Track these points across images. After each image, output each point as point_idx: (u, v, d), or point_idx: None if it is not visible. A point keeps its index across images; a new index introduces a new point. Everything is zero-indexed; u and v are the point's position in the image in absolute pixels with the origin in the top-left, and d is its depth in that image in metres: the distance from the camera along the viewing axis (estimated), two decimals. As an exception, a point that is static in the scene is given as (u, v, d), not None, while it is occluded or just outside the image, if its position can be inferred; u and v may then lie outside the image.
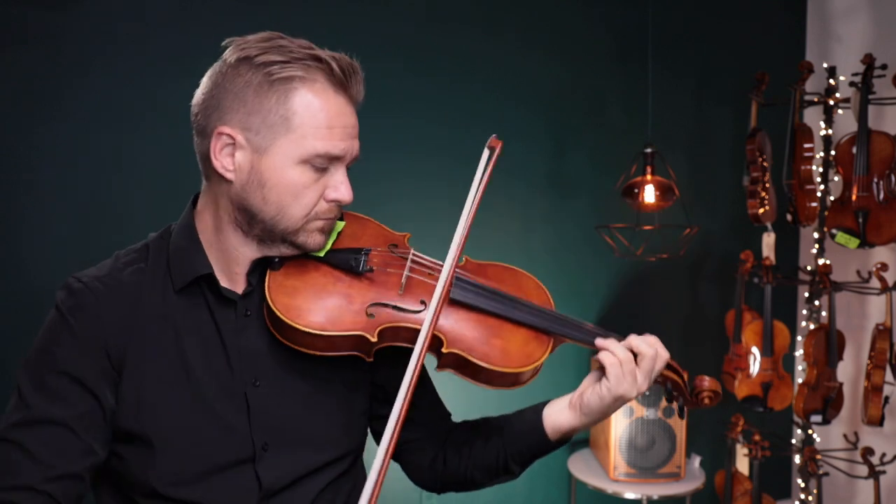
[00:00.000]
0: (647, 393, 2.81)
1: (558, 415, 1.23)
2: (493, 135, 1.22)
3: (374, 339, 1.12)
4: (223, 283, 1.16)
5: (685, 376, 1.27)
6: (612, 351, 1.19)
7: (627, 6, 3.12)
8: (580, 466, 2.94)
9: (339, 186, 1.12)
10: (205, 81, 1.13)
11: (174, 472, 1.10)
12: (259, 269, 1.16)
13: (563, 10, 3.05)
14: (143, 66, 2.41)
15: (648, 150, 2.75)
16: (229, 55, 1.10)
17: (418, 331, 1.11)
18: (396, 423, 1.01)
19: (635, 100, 3.07)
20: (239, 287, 1.16)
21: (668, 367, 1.24)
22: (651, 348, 1.19)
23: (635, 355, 1.19)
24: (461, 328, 1.17)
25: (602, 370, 1.20)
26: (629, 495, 2.78)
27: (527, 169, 3.00)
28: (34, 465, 1.02)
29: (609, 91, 3.15)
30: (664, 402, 2.82)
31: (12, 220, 2.29)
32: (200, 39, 2.52)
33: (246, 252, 1.15)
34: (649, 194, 2.72)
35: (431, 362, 1.20)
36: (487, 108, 2.89)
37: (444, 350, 1.14)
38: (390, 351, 1.17)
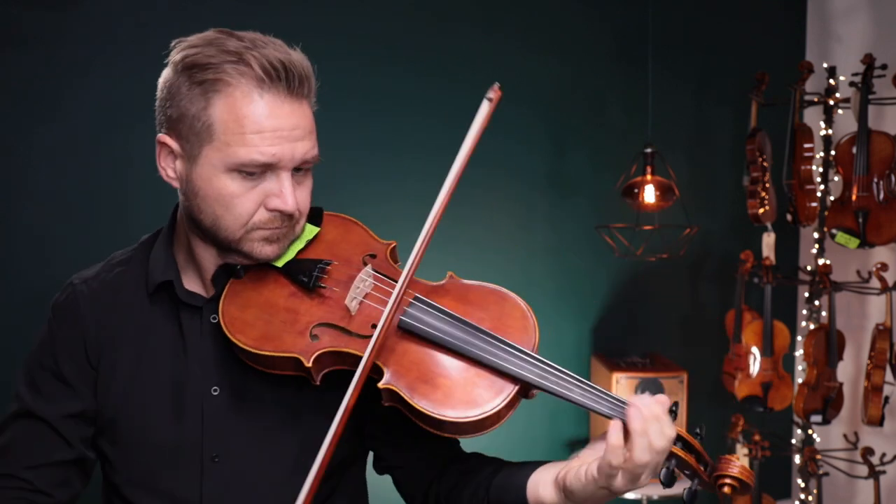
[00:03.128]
0: (648, 393, 2.80)
1: (542, 488, 1.04)
2: (496, 84, 1.11)
3: (307, 365, 1.00)
4: (193, 288, 1.14)
5: (700, 451, 1.03)
6: (633, 430, 0.95)
7: (627, 6, 3.11)
8: (580, 466, 2.93)
9: (280, 194, 1.02)
10: (158, 83, 1.10)
11: (128, 473, 1.13)
12: (225, 276, 1.12)
13: (563, 10, 3.04)
14: (143, 66, 2.40)
15: (648, 150, 2.75)
16: (171, 57, 1.08)
17: (360, 359, 0.98)
18: (322, 460, 0.94)
19: (635, 100, 3.07)
20: (209, 292, 1.14)
21: (677, 440, 1.00)
22: (656, 422, 0.95)
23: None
24: (407, 361, 1.01)
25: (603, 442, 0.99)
26: (629, 495, 2.77)
27: (527, 169, 3.00)
28: (17, 454, 1.09)
29: (609, 91, 3.15)
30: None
31: (12, 219, 2.29)
32: (200, 39, 2.53)
33: (209, 257, 1.12)
34: (649, 194, 2.72)
35: None
36: (487, 108, 2.88)
37: (380, 386, 1.00)
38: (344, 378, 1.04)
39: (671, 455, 0.99)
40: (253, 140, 0.99)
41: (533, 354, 1.02)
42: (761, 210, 2.88)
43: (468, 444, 1.19)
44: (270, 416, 1.12)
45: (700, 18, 3.28)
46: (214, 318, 1.10)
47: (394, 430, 1.15)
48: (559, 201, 3.08)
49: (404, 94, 2.78)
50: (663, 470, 1.00)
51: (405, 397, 0.99)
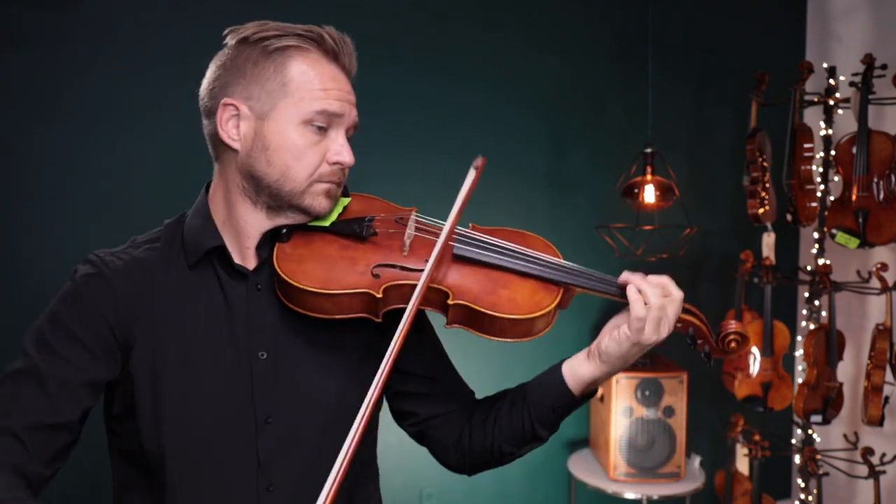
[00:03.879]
0: (648, 393, 2.81)
1: (578, 367, 1.22)
2: (480, 157, 1.26)
3: (379, 296, 1.13)
4: (236, 259, 1.19)
5: (707, 323, 1.24)
6: (634, 291, 1.18)
7: (627, 6, 3.12)
8: (580, 466, 2.94)
9: (341, 149, 1.16)
10: (209, 69, 1.20)
11: (179, 445, 1.13)
12: (269, 244, 1.19)
13: (563, 10, 3.05)
14: (143, 66, 2.41)
15: (648, 150, 2.75)
16: (230, 40, 1.19)
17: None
18: (384, 367, 1.03)
19: (635, 100, 3.08)
20: (250, 263, 1.19)
21: (686, 310, 1.21)
22: (658, 289, 1.18)
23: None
24: (466, 282, 1.18)
25: (625, 312, 1.19)
26: (629, 495, 2.78)
27: (527, 169, 3.00)
28: (16, 410, 1.06)
29: (609, 91, 3.15)
30: (663, 402, 2.82)
31: (12, 219, 2.30)
32: (200, 40, 2.52)
33: (255, 223, 1.18)
34: (649, 194, 2.72)
35: (442, 327, 1.21)
36: (487, 108, 2.89)
37: (450, 302, 1.15)
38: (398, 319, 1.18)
39: (687, 323, 1.23)
40: (324, 94, 1.15)
41: (566, 263, 1.23)
42: (761, 210, 2.88)
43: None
44: (321, 372, 1.20)
45: (700, 18, 3.29)
46: (259, 286, 1.18)
47: (425, 381, 1.30)
48: (559, 201, 3.09)
49: (404, 94, 2.78)
50: (687, 336, 1.24)
51: (475, 306, 1.14)
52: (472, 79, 2.87)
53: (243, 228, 1.18)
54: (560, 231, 3.06)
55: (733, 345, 1.23)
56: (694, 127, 3.35)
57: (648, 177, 2.74)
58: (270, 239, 1.19)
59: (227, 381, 1.15)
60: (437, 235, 1.20)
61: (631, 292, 1.18)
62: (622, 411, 2.81)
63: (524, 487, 3.03)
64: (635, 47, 3.07)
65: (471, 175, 1.22)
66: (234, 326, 1.17)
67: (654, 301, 1.16)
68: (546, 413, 1.23)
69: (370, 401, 1.03)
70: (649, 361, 2.92)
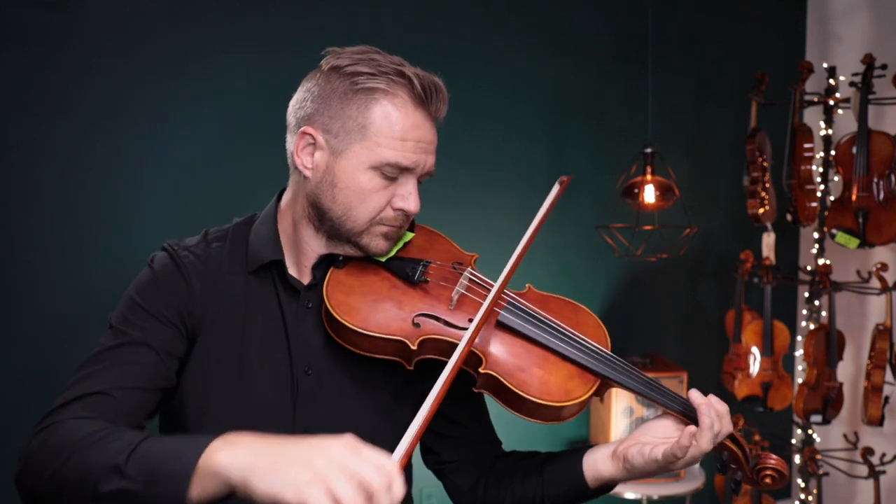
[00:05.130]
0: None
1: (601, 464, 1.21)
2: (566, 176, 1.30)
3: (413, 348, 1.13)
4: (292, 272, 1.23)
5: (747, 449, 1.19)
6: (705, 418, 1.12)
7: (627, 6, 3.12)
8: (580, 466, 2.94)
9: (408, 197, 1.17)
10: (301, 85, 1.21)
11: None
12: (324, 265, 1.22)
13: (563, 10, 3.05)
14: (143, 66, 2.41)
15: (648, 150, 2.75)
16: (325, 63, 1.19)
17: (457, 346, 1.11)
18: (420, 425, 1.00)
19: (635, 100, 3.07)
20: (305, 279, 1.23)
21: (732, 437, 1.18)
22: (719, 419, 1.13)
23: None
24: (504, 352, 1.16)
25: (661, 422, 1.17)
26: (629, 495, 2.78)
27: (527, 169, 3.00)
28: (111, 375, 1.10)
29: (609, 91, 3.15)
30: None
31: (12, 219, 2.30)
32: (200, 40, 2.53)
33: (315, 246, 1.22)
34: (649, 194, 2.72)
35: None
36: (487, 108, 2.89)
37: (480, 370, 1.13)
38: (435, 368, 1.17)
39: (725, 447, 1.17)
40: (401, 145, 1.14)
41: (612, 355, 1.18)
42: (761, 210, 2.88)
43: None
44: (357, 400, 1.22)
45: (700, 18, 3.29)
46: (310, 304, 1.21)
47: (455, 426, 1.31)
48: (559, 202, 3.07)
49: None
50: (719, 461, 1.20)
51: (504, 381, 1.12)
52: (472, 79, 2.87)
53: (303, 248, 1.22)
54: (560, 231, 3.06)
55: (768, 480, 1.17)
56: (694, 127, 3.35)
57: (648, 177, 2.74)
58: (327, 260, 1.22)
59: (276, 390, 1.18)
60: (487, 293, 1.18)
61: (710, 424, 1.11)
62: (622, 411, 2.81)
63: (524, 487, 3.03)
64: (635, 47, 3.07)
65: (554, 191, 1.25)
66: (287, 339, 1.20)
67: (714, 428, 1.12)
68: (558, 496, 1.24)
69: (406, 448, 1.00)
70: (649, 362, 2.93)
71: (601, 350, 1.19)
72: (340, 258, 1.21)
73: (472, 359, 1.14)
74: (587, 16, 3.10)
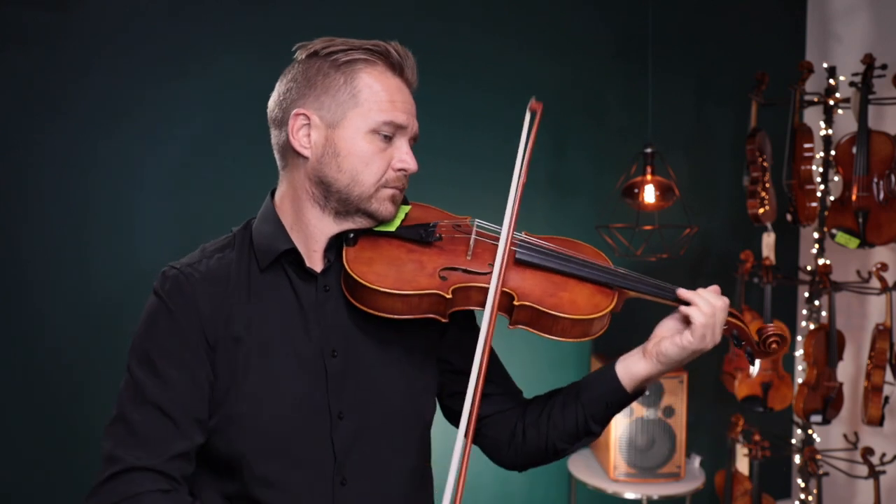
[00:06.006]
0: (648, 393, 2.81)
1: (634, 365, 1.29)
2: (533, 97, 1.33)
3: (449, 297, 1.19)
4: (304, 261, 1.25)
5: (747, 326, 1.31)
6: (701, 304, 1.23)
7: (627, 6, 3.12)
8: (580, 466, 2.94)
9: (405, 157, 1.25)
10: (279, 82, 1.26)
11: (257, 444, 1.18)
12: (335, 247, 1.25)
13: (563, 10, 3.05)
14: (143, 66, 2.41)
15: (648, 150, 2.75)
16: (299, 55, 1.25)
17: (487, 289, 1.20)
18: (479, 379, 1.07)
19: (635, 100, 3.07)
20: (318, 265, 1.25)
21: (730, 313, 1.28)
22: (720, 299, 1.25)
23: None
24: (529, 285, 1.25)
25: (685, 321, 1.25)
26: (629, 495, 2.78)
27: (527, 169, 2.99)
28: (145, 445, 1.13)
29: (609, 91, 3.15)
30: (663, 402, 2.82)
31: (12, 219, 2.30)
32: (199, 40, 2.53)
33: (323, 228, 1.24)
34: (649, 194, 2.72)
35: (501, 328, 1.23)
36: (487, 108, 2.89)
37: (515, 303, 1.21)
38: (455, 325, 1.28)
39: (734, 326, 1.30)
40: (391, 105, 1.23)
41: (620, 270, 1.31)
42: (761, 210, 2.88)
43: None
44: (384, 375, 1.26)
45: (700, 18, 3.29)
46: (328, 288, 1.24)
47: (486, 382, 1.32)
48: (559, 201, 3.09)
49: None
50: (732, 338, 1.32)
51: (540, 307, 1.20)
52: (472, 79, 2.87)
53: (311, 233, 1.25)
54: (560, 231, 3.02)
55: (774, 346, 1.30)
56: (694, 127, 3.34)
57: (648, 177, 2.74)
58: (336, 243, 1.25)
59: (305, 378, 1.21)
60: (497, 241, 1.28)
61: (702, 305, 1.24)
62: (622, 411, 2.81)
63: (524, 487, 3.02)
64: (635, 47, 3.07)
65: (527, 120, 1.31)
66: (308, 326, 1.23)
67: (710, 309, 1.23)
68: (600, 410, 1.31)
69: (471, 411, 1.08)
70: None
71: (611, 268, 1.31)
72: (351, 234, 1.24)
73: (505, 298, 1.22)
74: (587, 16, 3.10)
